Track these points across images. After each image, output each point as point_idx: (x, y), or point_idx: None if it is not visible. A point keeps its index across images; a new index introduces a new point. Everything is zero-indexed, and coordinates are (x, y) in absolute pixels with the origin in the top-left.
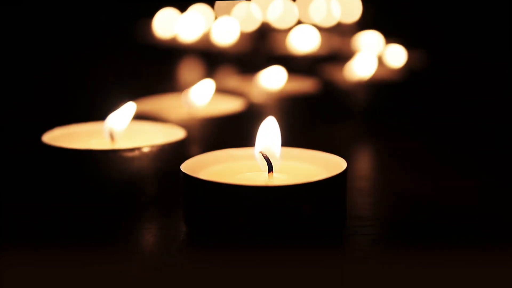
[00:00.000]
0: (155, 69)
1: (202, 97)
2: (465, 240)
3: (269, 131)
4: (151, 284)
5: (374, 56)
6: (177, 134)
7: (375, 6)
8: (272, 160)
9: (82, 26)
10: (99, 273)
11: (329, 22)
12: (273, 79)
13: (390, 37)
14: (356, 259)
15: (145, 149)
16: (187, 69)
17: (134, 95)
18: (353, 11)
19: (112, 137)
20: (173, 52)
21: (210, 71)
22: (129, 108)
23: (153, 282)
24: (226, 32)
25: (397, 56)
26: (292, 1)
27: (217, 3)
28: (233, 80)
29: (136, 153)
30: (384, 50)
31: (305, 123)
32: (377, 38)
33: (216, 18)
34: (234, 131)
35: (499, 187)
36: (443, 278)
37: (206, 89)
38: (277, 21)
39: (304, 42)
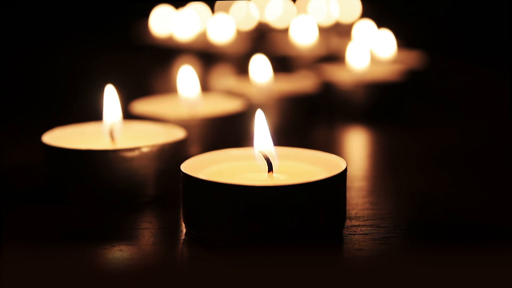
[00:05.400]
0: (154, 69)
1: (196, 95)
2: (466, 239)
3: (261, 129)
4: (151, 284)
5: (367, 47)
6: (177, 134)
7: (375, 5)
8: (272, 160)
9: (80, 25)
10: (99, 273)
11: (328, 22)
12: (263, 73)
13: (386, 32)
14: (356, 259)
15: (145, 149)
16: (185, 69)
17: (133, 95)
18: (352, 10)
19: (112, 137)
20: (170, 52)
21: (207, 70)
22: (112, 94)
23: (153, 282)
24: (222, 30)
25: (388, 47)
26: (292, 2)
27: (217, 2)
28: (231, 80)
29: (136, 153)
30: (377, 42)
31: (305, 123)
32: (371, 28)
33: (213, 16)
34: (234, 131)
35: (499, 186)
36: (443, 277)
37: (195, 87)
38: (275, 21)
39: (303, 36)
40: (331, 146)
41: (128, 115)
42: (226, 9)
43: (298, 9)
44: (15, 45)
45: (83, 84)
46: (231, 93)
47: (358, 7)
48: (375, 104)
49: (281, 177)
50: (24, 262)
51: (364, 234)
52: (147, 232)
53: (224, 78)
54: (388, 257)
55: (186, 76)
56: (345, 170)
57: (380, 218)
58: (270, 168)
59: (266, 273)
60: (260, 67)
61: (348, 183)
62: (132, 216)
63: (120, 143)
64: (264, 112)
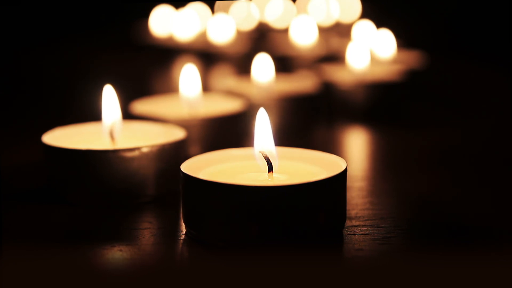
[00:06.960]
0: (154, 69)
1: (197, 95)
2: (466, 239)
3: (263, 128)
4: (151, 284)
5: (367, 47)
6: (177, 134)
7: (375, 5)
8: (272, 160)
9: (80, 25)
10: (99, 273)
11: (328, 22)
12: (265, 72)
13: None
14: (356, 259)
15: (145, 149)
16: (185, 68)
17: (133, 95)
18: (352, 11)
19: (112, 137)
20: (170, 52)
21: (207, 70)
22: (111, 95)
23: (153, 282)
24: (222, 30)
25: (388, 47)
26: (292, 2)
27: (217, 2)
28: (231, 80)
29: (136, 153)
30: (377, 42)
31: (305, 123)
32: (370, 28)
33: (213, 16)
34: (234, 131)
35: (499, 186)
36: (443, 277)
37: (196, 87)
38: (275, 21)
39: (303, 36)
40: (331, 146)
41: (128, 115)
42: (226, 9)
43: (298, 9)
44: (15, 45)
45: (83, 84)
46: (231, 93)
47: (358, 7)
48: (375, 104)
49: (281, 177)
50: (24, 262)
51: (364, 234)
52: (147, 232)
53: (224, 78)
54: (388, 257)
55: (188, 75)
56: (345, 170)
57: (380, 218)
58: (270, 168)
59: (266, 273)
60: (263, 67)
61: (348, 183)
62: (132, 216)
63: (120, 143)
64: (266, 112)
